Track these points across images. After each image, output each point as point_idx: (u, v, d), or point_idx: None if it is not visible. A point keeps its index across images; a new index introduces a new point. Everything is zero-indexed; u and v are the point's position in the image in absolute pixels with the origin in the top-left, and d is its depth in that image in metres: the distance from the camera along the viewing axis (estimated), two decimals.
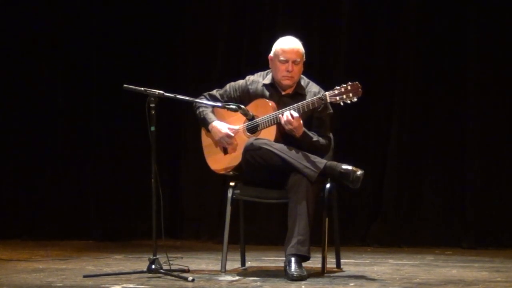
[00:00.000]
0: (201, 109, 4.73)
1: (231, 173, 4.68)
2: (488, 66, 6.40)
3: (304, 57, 4.64)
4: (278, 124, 4.51)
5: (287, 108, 4.46)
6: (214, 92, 4.78)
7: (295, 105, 4.46)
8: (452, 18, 6.48)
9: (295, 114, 4.41)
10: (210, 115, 4.70)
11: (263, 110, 4.58)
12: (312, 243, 4.32)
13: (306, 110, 4.46)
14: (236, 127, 4.64)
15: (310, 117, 4.57)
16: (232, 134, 4.61)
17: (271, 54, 4.66)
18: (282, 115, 4.45)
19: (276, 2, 6.89)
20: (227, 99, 4.72)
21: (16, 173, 7.20)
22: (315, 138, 4.54)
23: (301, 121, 4.44)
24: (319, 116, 4.58)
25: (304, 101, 4.48)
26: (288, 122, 4.41)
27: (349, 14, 6.68)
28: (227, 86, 4.78)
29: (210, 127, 4.68)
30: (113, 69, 6.98)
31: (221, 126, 4.66)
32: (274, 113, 4.52)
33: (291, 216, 4.33)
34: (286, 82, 4.63)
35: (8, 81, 7.18)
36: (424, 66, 6.56)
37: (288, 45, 4.61)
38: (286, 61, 4.58)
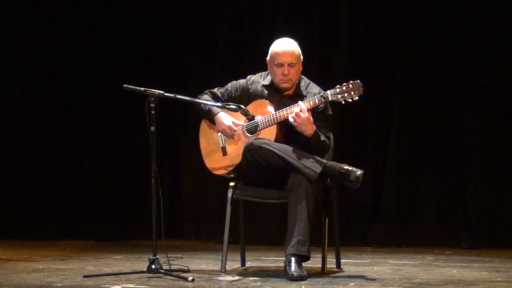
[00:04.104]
0: (204, 103, 4.72)
1: (231, 175, 4.67)
2: (488, 67, 6.41)
3: (301, 57, 4.62)
4: (278, 124, 4.51)
5: (288, 107, 4.46)
6: (215, 90, 4.78)
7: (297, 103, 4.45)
8: (452, 19, 6.48)
9: (303, 106, 4.38)
10: (215, 107, 4.69)
11: (263, 110, 4.58)
12: (312, 243, 4.31)
13: (308, 109, 4.44)
14: (240, 123, 4.64)
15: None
16: (235, 128, 4.61)
17: (268, 57, 4.65)
18: (290, 112, 4.42)
19: (276, 3, 6.89)
20: (227, 97, 4.72)
21: (16, 173, 7.20)
22: (323, 138, 4.53)
23: (311, 118, 4.41)
24: (320, 116, 4.57)
25: (306, 100, 4.47)
26: (296, 115, 4.37)
27: (349, 14, 6.68)
28: (229, 85, 4.78)
29: (216, 118, 4.66)
30: (113, 69, 6.98)
31: (225, 118, 4.64)
32: (273, 113, 4.52)
33: (291, 216, 4.33)
34: (284, 85, 4.61)
35: (8, 81, 7.19)
36: (424, 66, 6.56)
37: (282, 48, 4.58)
38: (282, 65, 4.55)
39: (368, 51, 6.66)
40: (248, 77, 4.78)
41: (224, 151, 4.68)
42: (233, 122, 4.63)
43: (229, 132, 4.63)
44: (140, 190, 6.73)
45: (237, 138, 4.63)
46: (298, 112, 4.38)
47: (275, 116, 4.50)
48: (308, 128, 4.41)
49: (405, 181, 6.56)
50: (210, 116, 4.71)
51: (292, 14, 6.80)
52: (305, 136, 4.45)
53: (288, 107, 4.46)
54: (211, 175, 4.78)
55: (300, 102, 4.42)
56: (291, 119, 4.41)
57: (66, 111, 7.20)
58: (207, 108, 4.70)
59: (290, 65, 4.56)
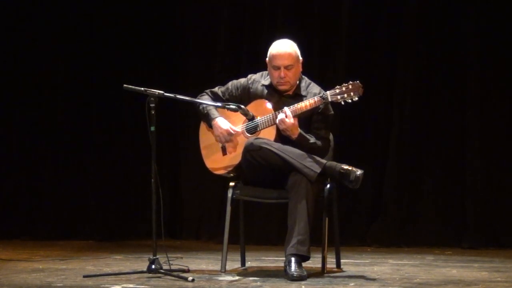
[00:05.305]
0: (204, 105, 4.71)
1: (231, 174, 4.68)
2: (489, 65, 6.41)
3: (299, 59, 4.61)
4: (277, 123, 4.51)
5: (288, 107, 4.46)
6: (216, 89, 4.77)
7: (296, 104, 4.46)
8: (452, 17, 6.49)
9: (288, 112, 4.40)
10: (214, 111, 4.68)
11: (262, 110, 4.58)
12: (312, 243, 4.32)
13: (307, 109, 4.45)
14: (238, 128, 4.63)
15: (310, 117, 4.56)
16: (233, 132, 4.60)
17: (267, 58, 4.64)
18: (279, 114, 4.45)
19: (276, 3, 6.89)
20: (228, 97, 4.71)
21: (16, 173, 7.20)
22: (312, 140, 4.52)
23: (296, 123, 4.43)
24: (319, 117, 4.57)
25: (305, 100, 4.48)
26: (281, 121, 4.41)
27: (349, 14, 6.68)
28: (229, 84, 4.78)
29: (213, 122, 4.66)
30: (113, 69, 6.98)
31: (223, 123, 4.64)
32: (273, 113, 4.52)
33: (291, 216, 4.33)
34: (281, 87, 4.61)
35: (8, 81, 7.18)
36: (424, 66, 6.56)
37: (278, 50, 4.57)
38: (278, 68, 4.55)
39: (368, 51, 6.66)
40: (249, 76, 4.78)
41: (224, 151, 4.67)
42: (231, 127, 4.62)
43: (226, 137, 4.61)
44: (140, 190, 6.73)
45: (238, 138, 4.62)
46: (284, 118, 4.39)
47: (274, 116, 4.50)
48: (293, 133, 4.44)
49: (405, 181, 6.56)
50: (208, 120, 4.70)
51: (292, 14, 6.80)
52: (292, 140, 4.46)
53: (288, 107, 4.46)
54: (211, 175, 4.78)
55: (285, 108, 4.43)
56: (277, 123, 4.42)
57: (66, 111, 7.20)
58: (205, 112, 4.69)
59: (286, 67, 4.55)
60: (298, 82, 4.65)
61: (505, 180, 6.37)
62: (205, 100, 4.69)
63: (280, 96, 4.64)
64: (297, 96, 4.61)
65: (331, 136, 4.71)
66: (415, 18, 6.57)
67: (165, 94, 4.41)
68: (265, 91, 4.68)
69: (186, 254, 5.66)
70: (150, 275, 4.29)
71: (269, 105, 4.58)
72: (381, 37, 6.66)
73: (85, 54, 7.15)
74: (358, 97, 4.38)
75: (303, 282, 4.12)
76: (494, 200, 6.37)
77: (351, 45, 6.68)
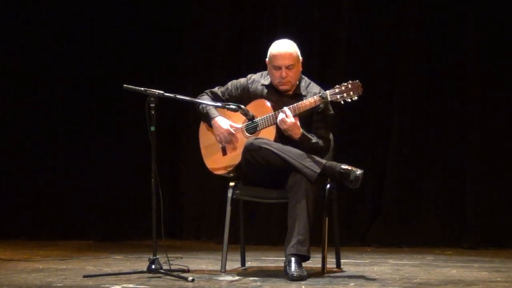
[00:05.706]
0: (203, 104, 4.71)
1: (231, 174, 4.67)
2: (489, 65, 6.41)
3: (300, 58, 4.61)
4: (278, 123, 4.51)
5: (288, 107, 4.46)
6: (216, 89, 4.77)
7: (295, 104, 4.46)
8: (452, 18, 6.49)
9: (288, 112, 4.40)
10: (213, 111, 4.68)
11: (262, 110, 4.57)
12: (312, 243, 4.32)
13: (306, 109, 4.45)
14: (238, 125, 4.63)
15: (310, 117, 4.56)
16: (233, 132, 4.60)
17: (267, 59, 4.64)
18: (279, 114, 4.45)
19: (276, 3, 6.89)
20: (228, 96, 4.71)
21: (16, 173, 7.20)
22: (314, 140, 4.52)
23: (298, 122, 4.43)
24: (319, 116, 4.57)
25: (304, 100, 4.48)
26: (282, 121, 4.41)
27: (349, 14, 6.68)
28: (229, 84, 4.78)
29: (213, 122, 4.66)
30: (113, 69, 6.98)
31: (223, 122, 4.64)
32: (273, 113, 4.52)
33: (291, 216, 4.33)
34: (282, 87, 4.61)
35: (8, 81, 7.18)
36: (424, 66, 6.57)
37: (279, 50, 4.56)
38: (279, 68, 4.56)
39: (368, 51, 6.66)
40: (249, 76, 4.78)
41: (224, 151, 4.67)
42: (230, 125, 4.62)
43: (227, 137, 4.60)
44: (140, 190, 6.72)
45: (238, 138, 4.62)
46: (284, 118, 4.39)
47: (274, 116, 4.50)
48: (295, 133, 4.44)
49: (405, 181, 6.56)
50: (207, 120, 4.70)
51: (292, 14, 6.81)
52: (294, 139, 4.46)
53: (288, 107, 4.46)
54: (211, 175, 4.78)
55: (285, 108, 4.44)
56: (278, 122, 4.42)
57: (66, 111, 7.20)
58: (204, 111, 4.69)
59: (287, 67, 4.55)
60: (298, 82, 4.65)
61: (505, 180, 6.38)
62: (204, 100, 4.69)
63: (280, 96, 4.64)
64: (297, 96, 4.61)
65: (331, 136, 4.72)
66: (415, 18, 6.57)
67: (165, 94, 4.41)
68: (265, 90, 4.68)
69: (186, 254, 5.66)
70: (150, 275, 4.29)
71: (269, 105, 4.58)
72: (381, 37, 6.66)
73: (85, 54, 7.15)
74: (357, 97, 4.39)
75: (303, 282, 4.12)
76: (494, 200, 6.37)
77: (351, 45, 6.68)
